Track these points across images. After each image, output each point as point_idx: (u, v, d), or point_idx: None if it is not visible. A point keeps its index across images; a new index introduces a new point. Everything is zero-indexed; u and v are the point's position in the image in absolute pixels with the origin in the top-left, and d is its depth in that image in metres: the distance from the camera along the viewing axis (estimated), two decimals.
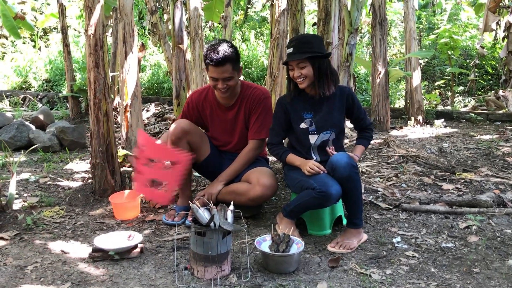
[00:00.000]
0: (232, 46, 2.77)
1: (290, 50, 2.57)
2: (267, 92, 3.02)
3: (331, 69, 2.65)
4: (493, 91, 8.45)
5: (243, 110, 2.95)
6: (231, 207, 2.33)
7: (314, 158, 2.69)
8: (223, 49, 2.69)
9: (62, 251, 2.53)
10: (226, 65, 2.69)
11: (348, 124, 5.69)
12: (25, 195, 3.46)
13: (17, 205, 3.19)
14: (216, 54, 2.66)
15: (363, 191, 3.40)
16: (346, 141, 5.12)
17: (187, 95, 4.33)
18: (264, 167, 2.95)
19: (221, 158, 3.04)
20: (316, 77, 2.58)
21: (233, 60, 2.73)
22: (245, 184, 2.84)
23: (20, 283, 2.19)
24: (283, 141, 2.87)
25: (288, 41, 2.70)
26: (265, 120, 2.90)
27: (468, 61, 9.49)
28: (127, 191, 3.20)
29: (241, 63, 9.22)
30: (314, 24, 4.24)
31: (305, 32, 5.34)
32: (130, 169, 3.60)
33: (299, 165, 2.62)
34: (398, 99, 8.68)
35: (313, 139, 2.68)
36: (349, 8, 3.78)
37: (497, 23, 8.39)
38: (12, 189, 3.03)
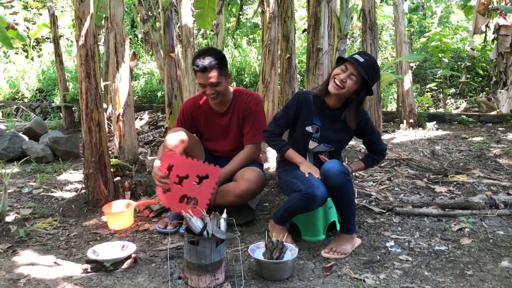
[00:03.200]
0: (218, 52, 2.83)
1: (361, 59, 2.47)
2: (259, 97, 3.06)
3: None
4: (484, 93, 8.52)
5: (236, 116, 2.99)
6: (224, 215, 2.33)
7: (307, 160, 2.70)
8: (209, 55, 2.76)
9: (55, 263, 2.52)
10: (212, 71, 2.75)
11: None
12: (18, 206, 3.44)
13: (10, 217, 3.17)
14: (201, 61, 2.74)
15: (356, 195, 3.42)
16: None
17: (180, 103, 4.34)
18: (251, 166, 2.96)
19: (216, 164, 3.04)
20: (354, 104, 2.56)
21: (219, 66, 2.78)
22: (232, 183, 2.87)
23: None
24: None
25: (362, 51, 2.62)
26: (260, 124, 2.94)
27: (459, 63, 9.56)
28: (120, 201, 3.19)
29: (234, 70, 9.16)
30: (305, 30, 4.27)
31: (296, 38, 5.36)
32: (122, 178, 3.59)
33: (299, 162, 2.62)
34: (390, 102, 8.72)
35: (312, 145, 2.68)
36: (338, 15, 3.81)
37: (487, 25, 8.48)
38: (5, 201, 3.02)
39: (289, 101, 2.74)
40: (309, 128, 2.66)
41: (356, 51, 2.73)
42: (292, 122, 2.72)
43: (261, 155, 3.29)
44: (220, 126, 3.03)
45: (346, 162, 2.79)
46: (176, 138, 2.87)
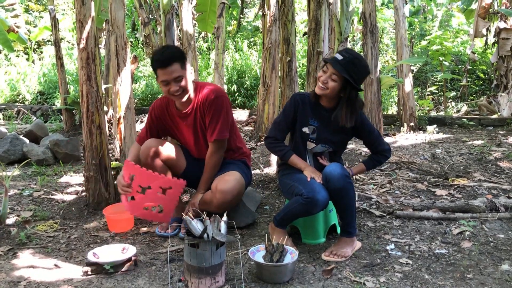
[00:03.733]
0: (176, 47, 2.76)
1: (340, 57, 2.48)
2: (219, 90, 2.88)
3: (357, 103, 2.58)
4: (485, 96, 8.52)
5: (199, 113, 2.84)
6: (225, 217, 2.33)
7: (307, 162, 2.70)
8: (167, 49, 2.71)
9: (55, 265, 2.52)
10: (173, 65, 2.64)
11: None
12: (19, 209, 3.45)
13: (10, 219, 3.18)
14: (161, 56, 2.66)
15: (356, 198, 3.42)
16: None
17: None
18: (231, 170, 2.85)
19: (199, 166, 2.96)
20: (343, 103, 2.54)
21: (179, 58, 2.68)
22: (209, 193, 2.81)
23: None
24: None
25: (345, 48, 2.62)
26: (219, 119, 2.80)
27: (460, 66, 9.57)
28: (121, 204, 3.18)
29: (235, 73, 9.14)
30: (305, 33, 4.28)
31: (297, 41, 5.36)
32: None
33: (303, 168, 2.61)
34: (391, 105, 8.73)
35: (310, 146, 2.69)
36: (339, 18, 3.82)
37: (487, 29, 8.48)
38: (6, 203, 3.02)
39: (286, 104, 2.73)
40: (305, 129, 2.66)
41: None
42: (293, 124, 2.71)
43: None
44: (188, 127, 2.91)
45: (347, 165, 2.78)
46: (150, 149, 2.80)
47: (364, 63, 2.55)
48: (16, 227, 3.02)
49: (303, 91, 3.49)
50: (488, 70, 9.27)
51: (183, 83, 2.71)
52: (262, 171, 4.23)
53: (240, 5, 12.17)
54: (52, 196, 3.77)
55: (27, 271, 2.45)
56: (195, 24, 6.10)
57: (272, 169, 4.28)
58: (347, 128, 2.63)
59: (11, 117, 8.73)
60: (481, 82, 9.46)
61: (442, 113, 8.14)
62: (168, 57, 2.64)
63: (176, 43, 4.52)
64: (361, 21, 6.16)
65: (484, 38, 8.86)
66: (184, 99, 2.78)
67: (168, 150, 2.89)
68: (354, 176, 3.98)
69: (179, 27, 5.27)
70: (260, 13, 5.58)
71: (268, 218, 3.18)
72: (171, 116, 2.94)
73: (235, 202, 2.86)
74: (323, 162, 2.68)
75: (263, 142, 5.08)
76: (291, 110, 2.67)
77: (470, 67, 9.10)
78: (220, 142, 2.84)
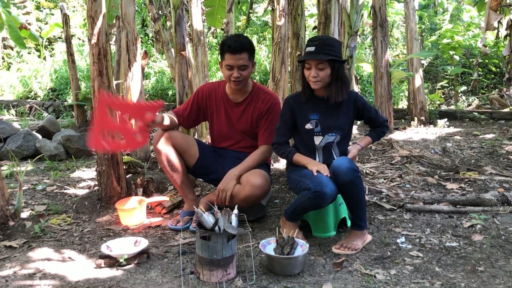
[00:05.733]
0: (248, 38, 2.90)
1: (312, 49, 2.55)
2: (278, 97, 3.05)
3: (345, 75, 2.66)
4: (496, 90, 8.43)
5: (251, 110, 2.96)
6: (235, 211, 2.35)
7: (317, 160, 2.70)
8: (242, 38, 2.83)
9: (69, 258, 2.56)
10: (242, 53, 2.77)
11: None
12: (33, 203, 3.50)
13: (25, 213, 3.23)
14: (234, 42, 2.77)
15: (367, 192, 3.43)
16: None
17: None
18: (259, 169, 2.91)
19: (218, 158, 3.03)
20: (333, 81, 2.59)
21: (249, 49, 2.82)
22: (237, 186, 2.84)
23: None
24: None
25: (308, 39, 2.68)
26: (274, 126, 2.91)
27: (471, 60, 9.47)
28: (133, 198, 3.23)
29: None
30: (315, 27, 4.27)
31: (307, 35, 5.35)
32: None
33: (306, 163, 2.63)
34: (401, 99, 8.68)
35: (317, 140, 2.69)
36: (348, 11, 3.81)
37: (499, 22, 8.38)
38: (20, 198, 3.07)
39: (282, 109, 2.80)
40: (308, 125, 2.68)
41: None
42: (293, 126, 2.75)
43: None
44: (232, 116, 3.01)
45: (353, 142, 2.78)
46: (162, 132, 2.92)
47: (331, 37, 2.67)
48: (31, 220, 3.07)
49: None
50: (500, 63, 9.17)
51: (245, 72, 2.84)
52: (272, 165, 4.24)
53: (249, 0, 12.16)
54: (65, 191, 3.82)
55: (42, 263, 2.50)
56: (204, 19, 6.11)
57: (281, 164, 4.29)
58: (348, 109, 2.69)
59: (24, 113, 8.83)
60: (493, 76, 9.37)
61: (453, 107, 8.08)
62: (241, 45, 2.77)
63: (186, 38, 4.53)
64: (371, 14, 6.14)
65: (496, 31, 8.76)
66: (240, 86, 2.88)
67: (179, 137, 2.98)
68: (364, 167, 3.98)
69: (189, 23, 5.29)
70: (270, 7, 5.57)
71: (279, 211, 3.19)
72: (218, 100, 3.03)
73: (261, 198, 2.89)
74: None
75: None
76: (287, 114, 2.73)
77: (482, 61, 9.00)
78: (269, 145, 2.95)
